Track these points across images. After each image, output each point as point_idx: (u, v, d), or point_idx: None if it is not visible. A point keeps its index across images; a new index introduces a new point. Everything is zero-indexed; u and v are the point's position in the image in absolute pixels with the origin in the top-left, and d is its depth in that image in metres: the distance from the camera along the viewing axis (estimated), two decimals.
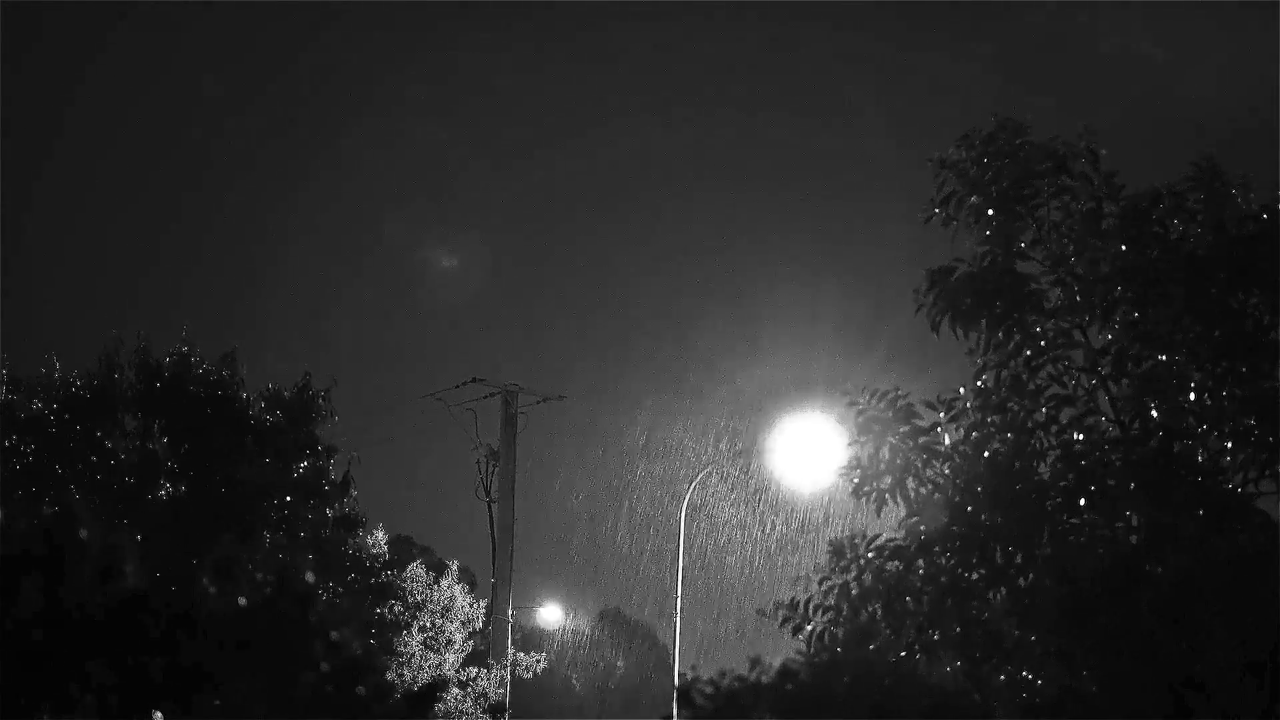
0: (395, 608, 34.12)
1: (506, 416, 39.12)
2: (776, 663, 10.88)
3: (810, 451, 35.24)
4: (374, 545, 33.29)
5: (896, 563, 15.09)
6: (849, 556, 15.15)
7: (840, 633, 14.98)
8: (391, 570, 33.77)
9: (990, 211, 15.82)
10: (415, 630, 35.29)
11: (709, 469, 44.48)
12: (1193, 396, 15.40)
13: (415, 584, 35.82)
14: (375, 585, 31.68)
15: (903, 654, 14.66)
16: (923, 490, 15.34)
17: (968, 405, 15.52)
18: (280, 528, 29.03)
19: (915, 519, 15.26)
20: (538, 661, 38.43)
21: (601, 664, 61.38)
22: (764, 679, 10.66)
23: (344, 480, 30.54)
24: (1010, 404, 15.42)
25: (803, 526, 45.78)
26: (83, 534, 9.28)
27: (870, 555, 15.14)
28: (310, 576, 10.07)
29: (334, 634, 9.82)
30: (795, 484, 41.16)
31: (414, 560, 37.45)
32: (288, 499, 29.46)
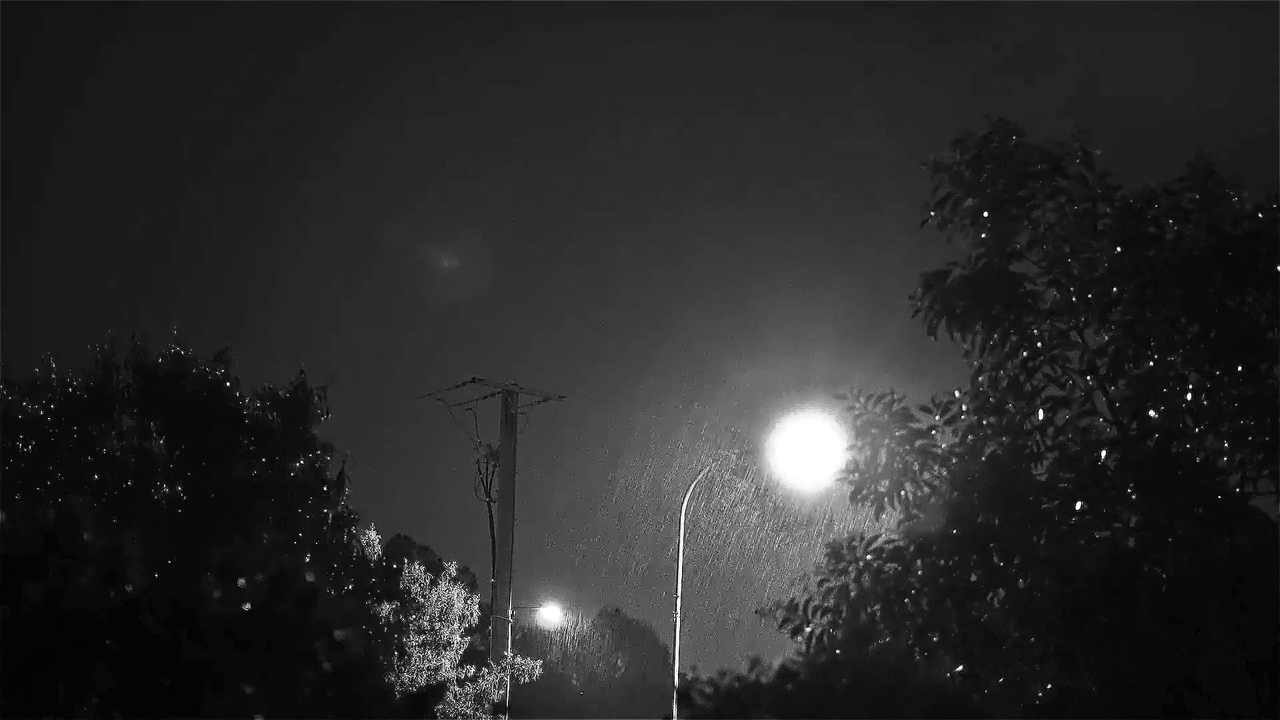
0: (393, 607, 34.13)
1: (506, 416, 39.15)
2: (776, 663, 10.89)
3: (810, 452, 35.23)
4: (368, 544, 33.30)
5: (895, 565, 15.13)
6: (847, 558, 15.19)
7: (839, 634, 15.01)
8: (390, 571, 33.75)
9: (985, 214, 15.85)
10: (413, 632, 35.28)
11: (709, 469, 44.48)
12: (1190, 397, 15.42)
13: (414, 585, 35.82)
14: (373, 585, 31.70)
15: (902, 655, 14.68)
16: (920, 493, 15.37)
17: (964, 407, 15.55)
18: (279, 527, 29.05)
19: (913, 521, 15.29)
20: (535, 667, 38.37)
21: (601, 664, 61.36)
22: (764, 679, 10.66)
23: (339, 479, 30.58)
24: (1007, 405, 15.45)
25: (802, 526, 45.79)
26: (86, 536, 9.30)
27: (869, 557, 15.18)
28: (310, 575, 10.08)
29: (337, 634, 9.84)
30: (795, 484, 41.18)
31: (413, 560, 37.42)
32: (282, 498, 29.48)
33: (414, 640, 35.24)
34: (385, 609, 33.29)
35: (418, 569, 36.10)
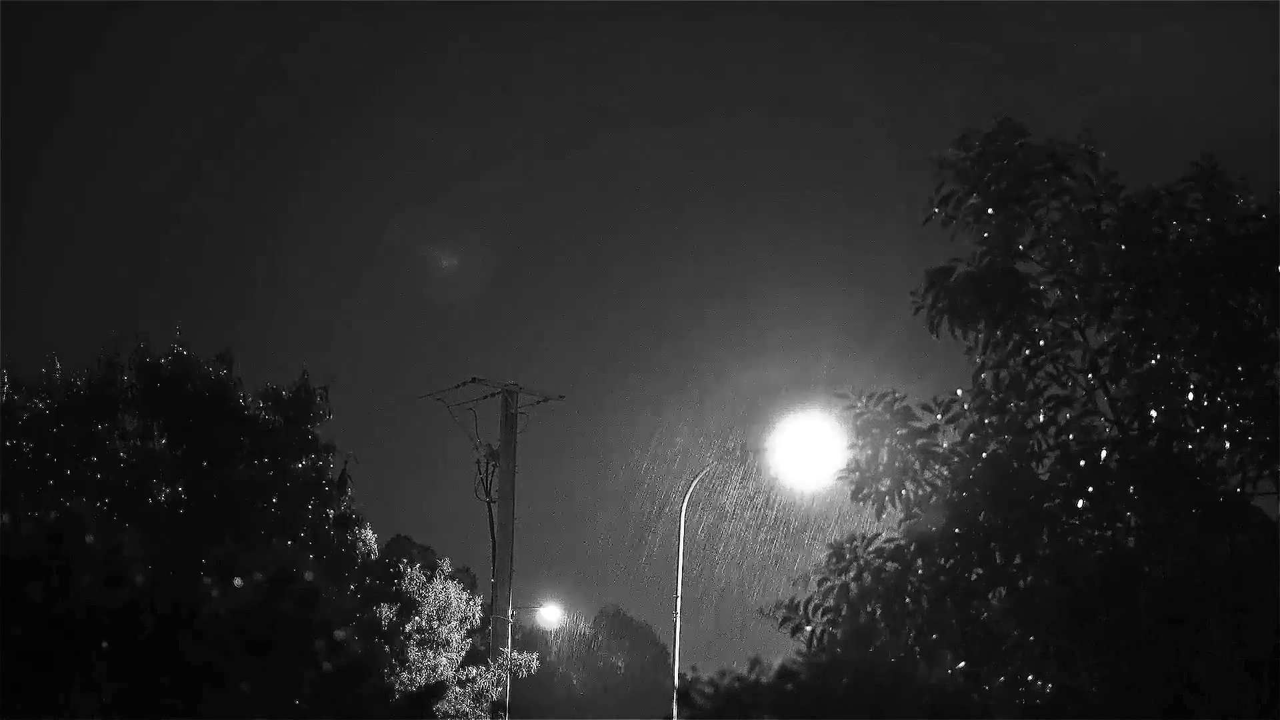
0: (390, 608, 34.12)
1: (506, 416, 39.14)
2: (776, 663, 10.90)
3: (810, 451, 35.26)
4: (363, 543, 33.30)
5: (895, 564, 15.13)
6: (848, 558, 15.18)
7: (839, 634, 15.01)
8: (393, 576, 33.75)
9: (989, 211, 15.85)
10: (410, 630, 35.25)
11: (709, 469, 44.49)
12: (1191, 397, 15.42)
13: (411, 584, 35.81)
14: (370, 585, 31.68)
15: (902, 655, 14.68)
16: (921, 492, 15.36)
17: (965, 407, 15.55)
18: (280, 527, 29.05)
19: (914, 520, 15.28)
20: (531, 661, 38.42)
21: (601, 664, 61.38)
22: (764, 679, 10.68)
23: (341, 479, 30.58)
24: (1009, 405, 15.45)
25: (802, 526, 45.80)
26: (88, 538, 9.31)
27: (869, 557, 15.17)
28: (310, 575, 10.09)
29: (337, 633, 9.85)
30: (795, 484, 41.19)
31: (412, 560, 37.41)
32: (284, 498, 29.49)
33: (412, 639, 35.23)
34: (384, 609, 33.26)
35: (414, 568, 36.06)
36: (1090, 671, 14.67)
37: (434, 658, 35.22)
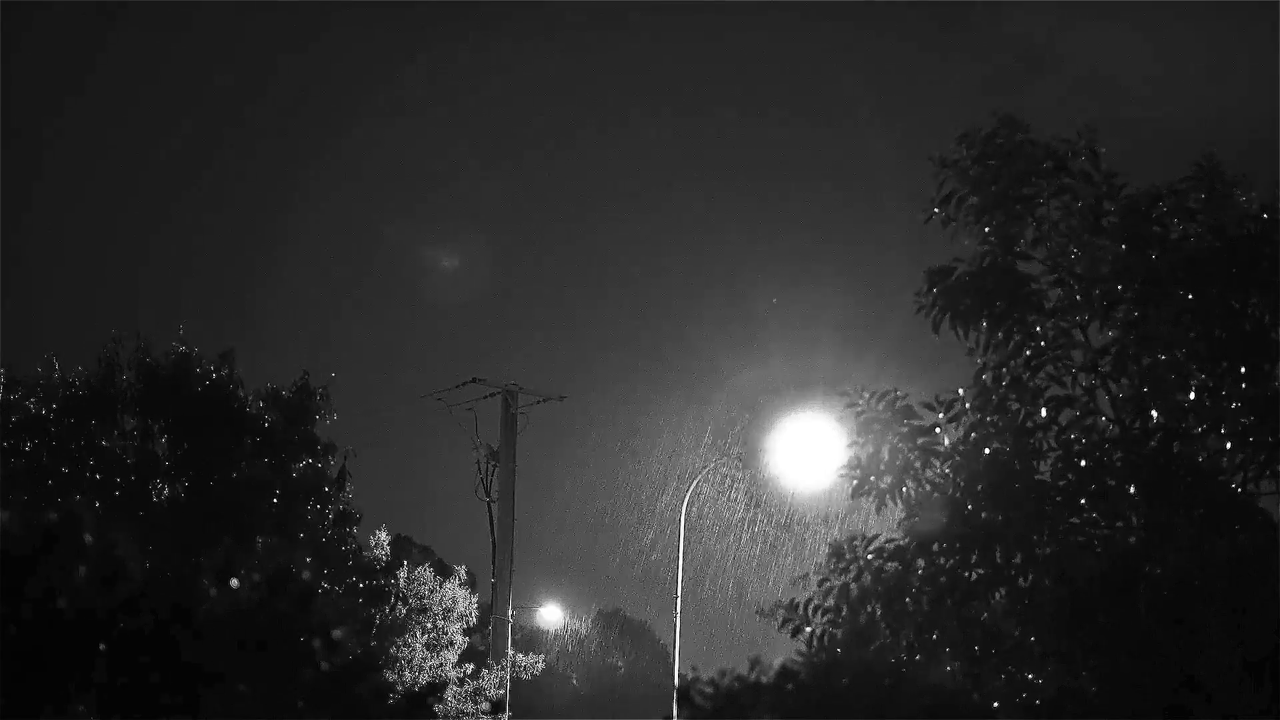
0: (398, 609, 34.15)
1: (506, 416, 39.16)
2: (776, 663, 10.88)
3: (810, 451, 35.31)
4: (376, 545, 33.32)
5: (895, 564, 15.11)
6: (848, 558, 15.16)
7: (840, 634, 14.98)
8: (394, 578, 33.77)
9: (990, 211, 15.82)
10: (419, 632, 35.31)
11: (709, 469, 44.48)
12: (1193, 396, 15.40)
13: (420, 586, 35.88)
14: (372, 587, 31.66)
15: (902, 654, 14.67)
16: (922, 491, 15.34)
17: (967, 406, 15.52)
18: (280, 528, 29.05)
19: (914, 519, 15.26)
20: (536, 663, 38.45)
21: (601, 664, 61.38)
22: (764, 679, 10.65)
23: (340, 475, 30.58)
24: (1010, 404, 15.43)
25: (802, 526, 45.82)
26: (86, 536, 9.29)
27: (869, 557, 15.15)
28: (307, 574, 10.07)
29: (335, 633, 9.83)
30: (795, 484, 41.23)
31: (413, 560, 37.46)
32: (285, 498, 29.48)
33: (419, 639, 35.28)
34: (388, 609, 33.30)
35: (427, 571, 36.15)
36: (1090, 671, 14.64)
37: (437, 658, 35.31)
